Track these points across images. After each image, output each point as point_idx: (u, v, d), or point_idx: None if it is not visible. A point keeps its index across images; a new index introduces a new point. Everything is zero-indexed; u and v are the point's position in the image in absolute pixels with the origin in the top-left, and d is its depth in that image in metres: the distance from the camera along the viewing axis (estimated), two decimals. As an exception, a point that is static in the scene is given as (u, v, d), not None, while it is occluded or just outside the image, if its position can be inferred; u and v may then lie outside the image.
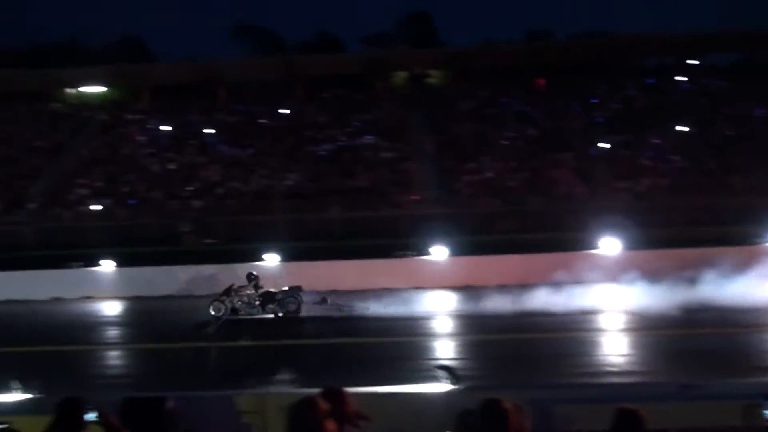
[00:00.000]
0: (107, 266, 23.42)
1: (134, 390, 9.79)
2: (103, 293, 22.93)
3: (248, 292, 19.32)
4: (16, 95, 44.85)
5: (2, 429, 4.60)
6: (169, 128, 38.19)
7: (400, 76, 48.01)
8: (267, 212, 28.68)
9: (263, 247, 23.17)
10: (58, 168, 35.39)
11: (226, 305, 19.18)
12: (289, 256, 23.20)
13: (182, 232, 27.95)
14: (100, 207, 30.72)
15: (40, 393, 8.69)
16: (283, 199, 29.56)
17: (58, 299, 22.71)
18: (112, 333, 19.02)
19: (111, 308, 21.72)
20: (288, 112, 38.71)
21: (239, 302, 19.22)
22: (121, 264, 23.60)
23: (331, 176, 31.51)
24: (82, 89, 46.30)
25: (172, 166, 34.11)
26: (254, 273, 19.71)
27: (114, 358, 16.46)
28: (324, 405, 4.07)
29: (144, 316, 20.14)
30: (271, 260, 22.73)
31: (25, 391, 8.65)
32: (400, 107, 38.29)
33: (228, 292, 19.38)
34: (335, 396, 4.74)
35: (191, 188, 31.88)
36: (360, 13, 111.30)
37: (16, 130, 39.49)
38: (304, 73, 42.30)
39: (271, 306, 19.21)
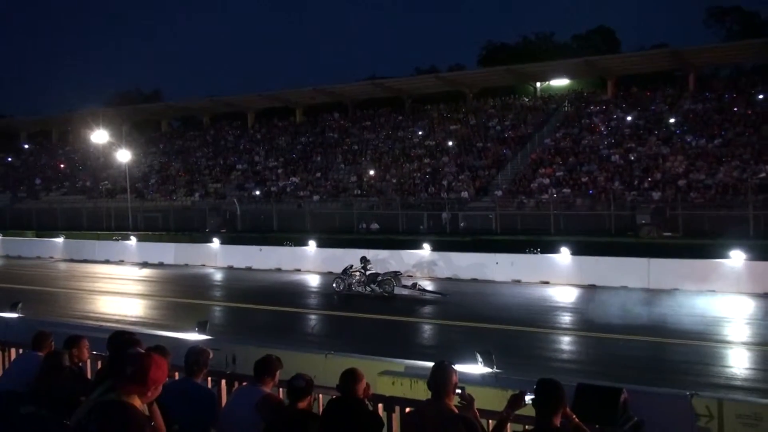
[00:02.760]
0: (564, 254, 23.86)
1: (585, 377, 9.70)
2: (559, 279, 23.50)
3: (359, 272, 22.50)
4: (490, 90, 48.72)
5: (458, 393, 4.88)
6: (632, 118, 37.66)
7: None
8: (735, 207, 26.44)
9: (728, 243, 21.38)
10: (523, 158, 37.38)
11: (345, 282, 22.67)
12: (757, 255, 21.05)
13: (640, 224, 27.27)
14: (558, 196, 31.64)
15: (499, 369, 9.12)
16: (754, 192, 26.93)
17: (517, 281, 23.94)
18: (565, 318, 19.30)
19: (565, 294, 22.10)
20: (764, 98, 35.27)
21: (352, 280, 22.49)
22: (576, 252, 23.87)
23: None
24: (549, 83, 48.25)
25: (632, 157, 33.52)
26: (366, 257, 22.91)
27: (565, 343, 16.64)
28: None
29: (595, 304, 20.00)
30: (737, 258, 20.84)
31: (487, 364, 9.15)
32: None
33: (345, 271, 22.82)
34: None
35: (651, 179, 30.94)
36: None
37: (489, 123, 42.84)
38: (789, 55, 38.08)
39: (372, 285, 22.14)
